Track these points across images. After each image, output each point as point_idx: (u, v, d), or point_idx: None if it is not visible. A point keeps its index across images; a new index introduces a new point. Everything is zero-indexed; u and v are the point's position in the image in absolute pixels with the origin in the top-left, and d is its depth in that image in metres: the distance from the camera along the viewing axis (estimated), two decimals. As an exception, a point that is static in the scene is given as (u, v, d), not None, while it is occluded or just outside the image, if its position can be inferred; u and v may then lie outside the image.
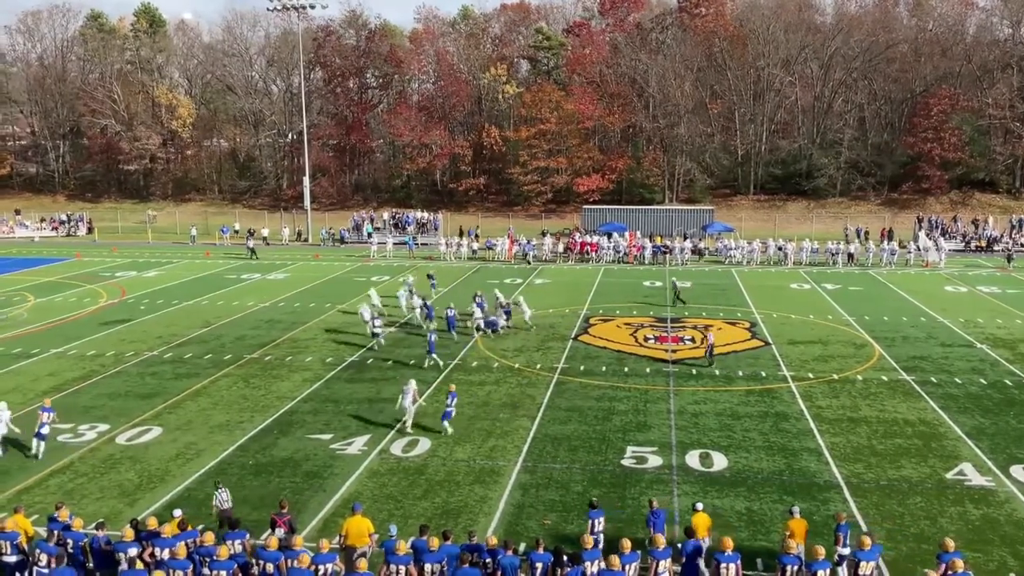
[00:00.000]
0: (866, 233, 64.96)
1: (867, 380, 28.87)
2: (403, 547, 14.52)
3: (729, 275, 52.06)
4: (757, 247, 57.55)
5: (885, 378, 29.12)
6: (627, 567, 14.21)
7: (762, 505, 19.07)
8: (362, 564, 14.18)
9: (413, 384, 24.58)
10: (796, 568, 14.14)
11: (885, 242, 58.58)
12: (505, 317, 36.22)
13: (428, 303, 37.40)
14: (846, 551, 15.13)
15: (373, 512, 18.08)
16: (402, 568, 14.35)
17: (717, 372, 29.77)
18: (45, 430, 22.47)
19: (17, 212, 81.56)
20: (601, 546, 15.53)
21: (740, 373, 29.72)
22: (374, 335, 33.58)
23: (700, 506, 16.53)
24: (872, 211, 77.26)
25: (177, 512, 15.97)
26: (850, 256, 56.17)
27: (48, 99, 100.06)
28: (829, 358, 31.83)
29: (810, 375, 29.49)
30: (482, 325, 35.46)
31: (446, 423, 23.83)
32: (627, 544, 14.55)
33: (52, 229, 75.69)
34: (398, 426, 24.29)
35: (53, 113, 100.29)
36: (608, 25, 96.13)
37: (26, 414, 25.70)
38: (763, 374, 29.67)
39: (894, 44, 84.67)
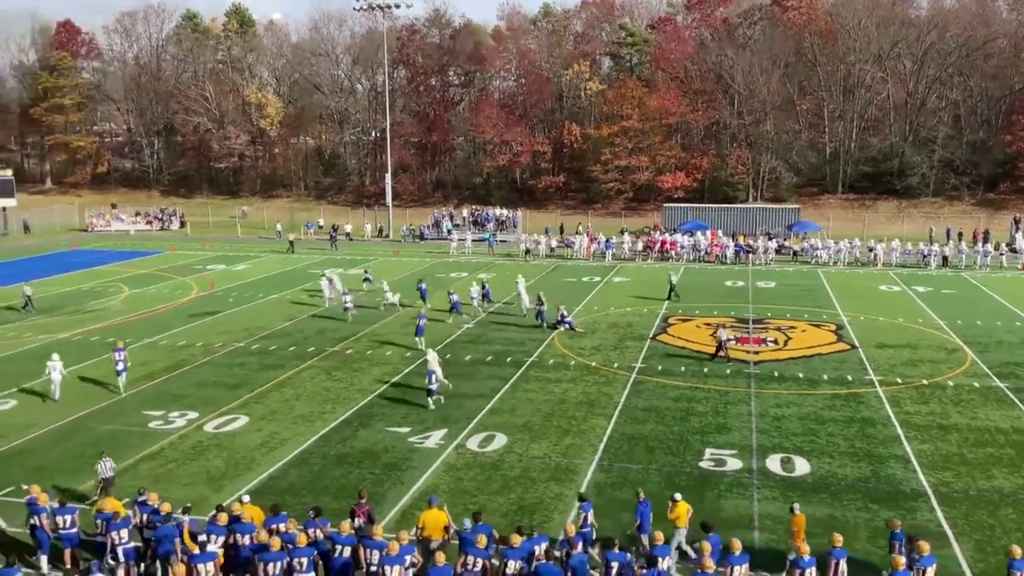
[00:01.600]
0: (959, 234, 62.56)
1: (958, 386, 27.86)
2: (483, 540, 14.65)
3: (815, 275, 50.84)
4: (844, 247, 56.04)
5: (977, 384, 28.06)
6: (736, 569, 14.21)
7: (845, 512, 18.59)
8: (440, 557, 14.32)
9: (433, 356, 27.00)
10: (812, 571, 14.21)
11: (979, 243, 56.39)
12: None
13: (423, 286, 41.24)
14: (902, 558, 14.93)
15: (449, 506, 18.23)
16: (480, 561, 14.47)
17: (800, 375, 29.12)
18: (120, 366, 27.38)
19: (114, 206, 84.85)
20: (593, 538, 15.89)
21: (825, 377, 29.02)
22: (345, 309, 38.03)
23: (679, 496, 16.82)
24: (967, 211, 74.36)
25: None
26: (945, 259, 54.13)
27: (143, 97, 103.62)
28: (919, 363, 30.82)
29: (898, 380, 28.61)
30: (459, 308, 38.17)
31: (430, 400, 25.71)
32: (738, 545, 14.43)
33: (147, 223, 78.47)
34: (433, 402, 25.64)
35: (148, 111, 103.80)
36: (694, 20, 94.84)
37: (121, 400, 26.80)
38: (849, 378, 28.90)
39: (992, 39, 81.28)
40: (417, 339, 33.03)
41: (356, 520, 16.18)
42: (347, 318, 37.84)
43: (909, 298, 43.55)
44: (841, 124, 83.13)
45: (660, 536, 15.02)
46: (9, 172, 76.64)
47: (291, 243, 63.09)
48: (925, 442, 22.77)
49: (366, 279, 45.32)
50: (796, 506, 16.56)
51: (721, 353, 31.07)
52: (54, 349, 30.83)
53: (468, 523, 15.58)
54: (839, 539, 14.69)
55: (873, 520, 18.20)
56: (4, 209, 73.88)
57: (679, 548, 16.40)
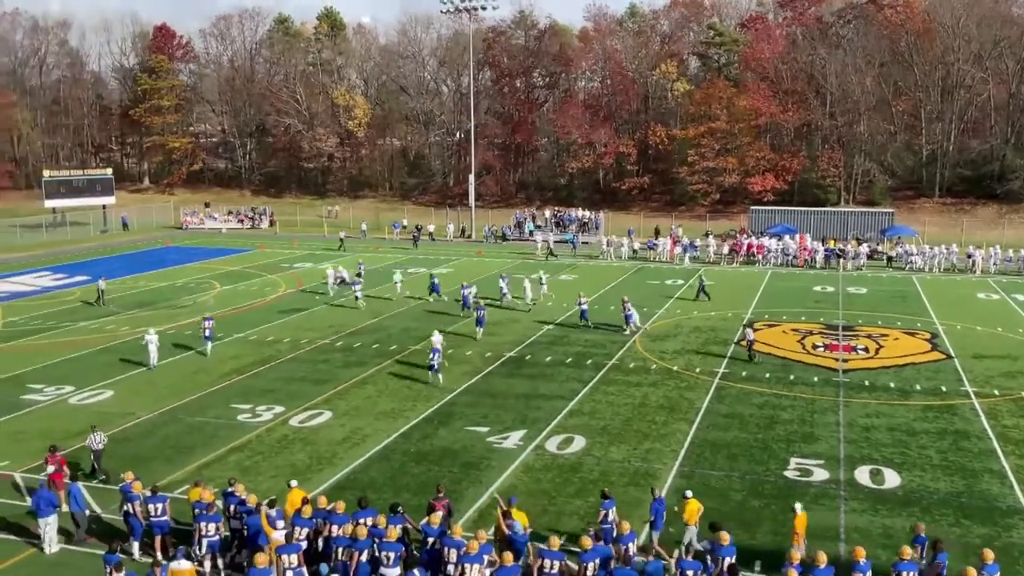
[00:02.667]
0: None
1: (1062, 400, 26.58)
2: (556, 542, 14.67)
3: (909, 282, 49.16)
4: (940, 253, 54.03)
5: (1084, 399, 26.71)
6: None
7: (937, 528, 17.88)
8: (508, 557, 14.34)
9: (438, 337, 29.58)
10: None
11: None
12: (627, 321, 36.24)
13: (435, 279, 43.94)
14: (924, 563, 14.91)
15: (527, 507, 18.22)
16: (556, 563, 14.45)
17: (892, 385, 28.18)
18: (208, 332, 32.38)
19: (207, 205, 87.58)
20: (614, 534, 15.90)
21: (918, 387, 28.02)
22: (356, 298, 41.12)
23: (689, 494, 17.13)
24: (1073, 217, 70.87)
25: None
26: (1047, 266, 51.74)
27: (237, 99, 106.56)
28: (1018, 374, 29.49)
29: (996, 392, 27.43)
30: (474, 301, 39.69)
31: (433, 374, 28.20)
32: (823, 558, 14.27)
33: (238, 222, 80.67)
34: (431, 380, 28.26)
35: (241, 112, 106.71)
36: (786, 18, 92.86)
37: (211, 393, 27.63)
38: (943, 389, 27.85)
39: (1104, 35, 77.29)
40: (478, 329, 34.65)
41: (436, 513, 16.41)
42: (359, 307, 40.66)
43: (1009, 307, 41.73)
44: (939, 125, 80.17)
45: (725, 536, 14.97)
46: (109, 171, 79.97)
47: (341, 241, 64.40)
48: (1023, 457, 21.82)
49: (359, 274, 46.61)
50: (798, 506, 16.58)
51: (751, 351, 31.40)
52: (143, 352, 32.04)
53: (519, 526, 15.67)
54: (908, 552, 14.43)
55: (965, 536, 17.50)
56: (104, 207, 76.98)
57: (689, 545, 16.46)
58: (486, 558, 14.45)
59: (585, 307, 37.08)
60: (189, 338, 34.91)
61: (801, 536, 16.06)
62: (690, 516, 16.73)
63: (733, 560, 14.66)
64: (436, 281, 43.74)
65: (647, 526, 17.13)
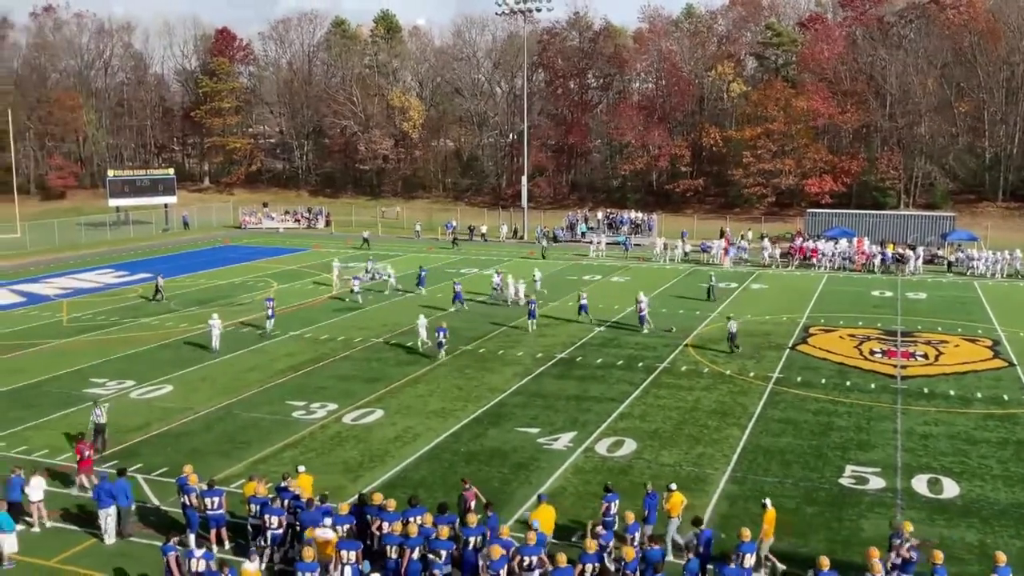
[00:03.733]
0: None
1: None
2: (592, 545, 14.71)
3: (971, 287, 47.96)
4: (1003, 258, 52.61)
5: None
6: None
7: (996, 539, 17.47)
8: (561, 558, 14.33)
9: (423, 320, 32.98)
10: None
11: None
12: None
13: (423, 272, 46.21)
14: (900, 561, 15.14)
15: (577, 509, 18.28)
16: (598, 567, 14.46)
17: (951, 393, 27.53)
18: (270, 312, 35.92)
19: (265, 205, 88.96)
20: (615, 528, 16.35)
21: (979, 395, 27.35)
22: (353, 291, 42.72)
23: (674, 486, 17.40)
24: None
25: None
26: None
27: (295, 101, 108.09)
28: (1086, 384, 28.63)
29: (1062, 402, 26.67)
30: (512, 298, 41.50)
31: (439, 351, 31.45)
32: (825, 562, 14.25)
33: (295, 221, 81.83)
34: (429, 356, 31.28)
35: (299, 114, 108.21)
36: (845, 18, 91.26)
37: (266, 390, 28.11)
38: (1006, 397, 27.14)
39: None
40: (529, 322, 36.47)
41: (471, 503, 16.68)
42: (357, 300, 42.36)
43: (1077, 314, 40.50)
44: (1003, 128, 78.07)
45: (747, 533, 14.99)
46: (171, 171, 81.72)
47: (365, 240, 65.28)
48: (1091, 470, 21.15)
49: (366, 270, 48.00)
50: (767, 501, 16.77)
51: (735, 343, 32.14)
52: (205, 341, 32.81)
53: (536, 523, 15.77)
54: (940, 556, 14.41)
55: (1029, 550, 17.05)
56: (166, 206, 78.74)
57: (673, 539, 16.81)
58: (533, 558, 14.50)
59: (585, 303, 38.34)
60: (246, 335, 35.59)
61: (769, 532, 16.11)
62: (673, 508, 16.92)
63: (752, 556, 14.70)
64: (424, 275, 46.36)
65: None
